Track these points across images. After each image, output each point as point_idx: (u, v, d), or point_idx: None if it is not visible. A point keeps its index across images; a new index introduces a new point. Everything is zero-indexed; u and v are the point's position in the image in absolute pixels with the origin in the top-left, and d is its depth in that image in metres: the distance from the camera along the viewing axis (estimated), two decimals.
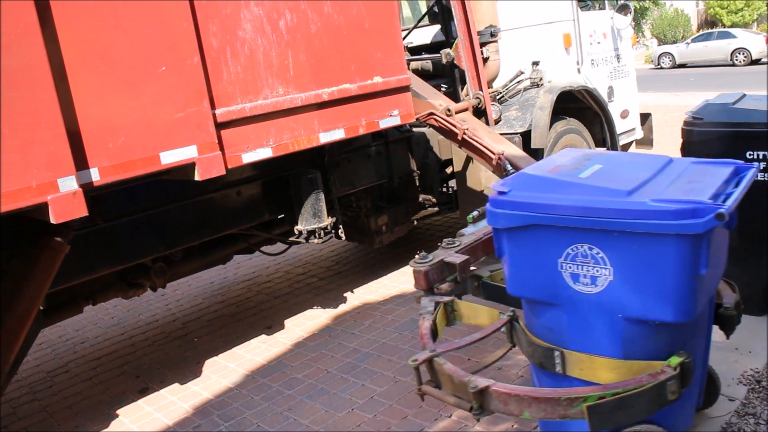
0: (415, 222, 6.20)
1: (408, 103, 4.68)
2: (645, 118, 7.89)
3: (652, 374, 2.39)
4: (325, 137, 4.12)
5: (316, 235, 4.68)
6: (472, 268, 3.41)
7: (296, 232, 4.76)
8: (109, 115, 3.16)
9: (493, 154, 4.99)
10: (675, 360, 2.42)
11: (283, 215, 4.99)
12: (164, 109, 3.33)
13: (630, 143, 7.68)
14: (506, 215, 2.65)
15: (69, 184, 2.96)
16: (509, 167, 4.83)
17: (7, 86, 2.78)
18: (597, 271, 2.49)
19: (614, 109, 6.95)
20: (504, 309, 2.98)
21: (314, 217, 4.64)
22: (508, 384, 2.55)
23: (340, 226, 5.06)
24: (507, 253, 2.75)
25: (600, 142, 6.65)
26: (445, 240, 3.50)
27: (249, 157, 3.74)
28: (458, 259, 3.28)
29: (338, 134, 4.20)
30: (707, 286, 2.54)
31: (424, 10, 7.17)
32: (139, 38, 3.24)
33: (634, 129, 7.67)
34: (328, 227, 4.72)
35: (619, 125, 7.08)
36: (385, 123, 4.51)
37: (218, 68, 3.59)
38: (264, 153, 3.81)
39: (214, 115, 3.53)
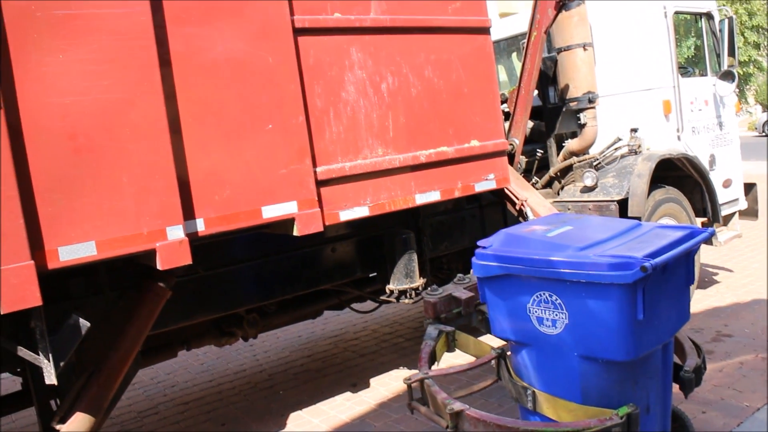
0: None
1: (504, 168, 4.69)
2: (749, 188, 7.57)
3: (601, 419, 2.72)
4: (421, 198, 4.17)
5: (407, 295, 4.69)
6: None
7: (388, 291, 4.79)
8: (217, 168, 3.33)
9: (518, 200, 5.08)
10: (623, 410, 2.73)
11: (375, 273, 5.03)
12: (268, 165, 3.47)
13: (733, 214, 7.37)
14: (485, 266, 3.10)
15: (176, 232, 3.11)
16: (530, 214, 4.86)
17: (130, 138, 2.98)
18: (556, 315, 2.88)
19: (716, 179, 6.71)
20: (501, 346, 3.34)
21: (406, 277, 4.66)
22: (480, 411, 2.91)
23: None
24: (488, 299, 3.19)
25: (700, 212, 6.42)
26: (457, 275, 3.92)
27: (346, 215, 3.82)
28: (465, 294, 3.70)
29: (434, 196, 4.24)
30: (652, 331, 2.86)
31: None
32: (249, 97, 3.42)
33: (737, 199, 7.37)
34: (420, 288, 4.73)
35: (721, 195, 6.82)
36: (481, 186, 4.53)
37: (321, 128, 3.72)
38: (361, 212, 3.89)
39: (315, 172, 3.65)
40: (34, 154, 2.78)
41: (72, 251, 2.86)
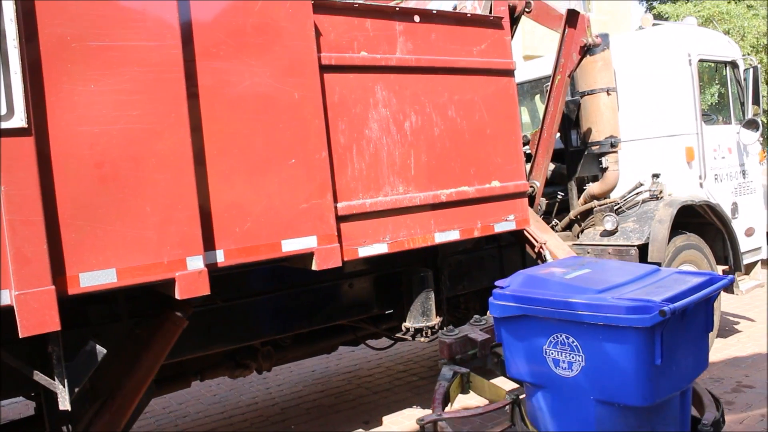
0: None
1: (524, 209, 4.68)
2: None
3: None
4: (440, 237, 4.17)
5: (423, 333, 4.66)
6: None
7: (403, 328, 4.76)
8: (239, 200, 3.35)
9: (537, 242, 5.08)
10: None
11: (391, 311, 5.01)
12: (290, 199, 3.50)
13: (755, 263, 7.28)
14: (502, 306, 3.08)
15: (196, 263, 3.13)
16: (549, 257, 4.83)
17: (155, 168, 3.03)
18: (572, 357, 2.85)
19: (738, 227, 6.64)
20: (515, 388, 3.37)
21: (423, 315, 4.64)
22: None
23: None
24: (504, 340, 3.15)
25: (722, 260, 6.35)
26: (474, 317, 3.91)
27: (365, 252, 3.83)
28: (480, 336, 3.70)
29: (453, 235, 4.24)
30: (670, 377, 2.81)
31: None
32: (274, 131, 3.46)
33: (760, 248, 7.28)
34: (436, 327, 4.69)
35: (744, 243, 6.73)
36: (500, 227, 4.53)
37: (343, 164, 3.76)
38: (380, 248, 3.89)
39: (335, 208, 3.67)
40: (60, 181, 2.83)
41: (93, 278, 2.89)
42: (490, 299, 3.16)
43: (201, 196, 3.19)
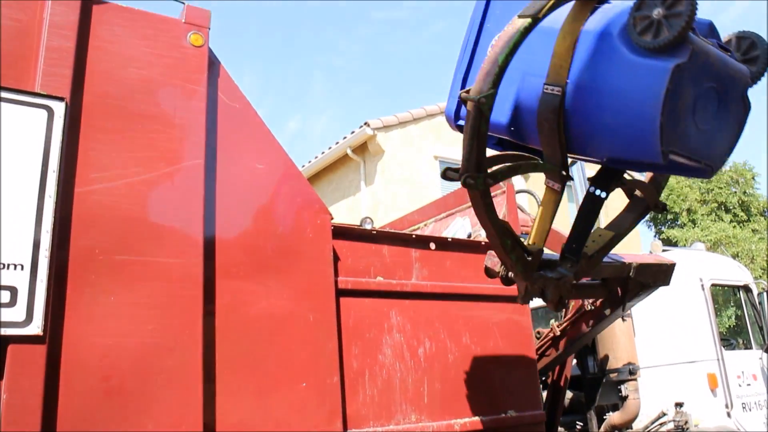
0: None
1: None
2: None
3: None
4: None
5: None
6: None
7: None
8: (246, 422, 3.23)
9: None
10: None
11: None
12: (298, 424, 3.37)
13: None
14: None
15: None
16: None
17: (163, 385, 2.96)
18: None
19: None
20: None
21: None
22: None
23: None
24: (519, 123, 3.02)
25: None
26: None
27: None
28: None
29: None
30: None
31: None
32: (287, 353, 3.42)
33: None
34: None
35: None
36: None
37: (355, 389, 3.67)
38: None
39: None
40: (65, 392, 2.76)
41: None
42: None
43: (207, 415, 3.09)
